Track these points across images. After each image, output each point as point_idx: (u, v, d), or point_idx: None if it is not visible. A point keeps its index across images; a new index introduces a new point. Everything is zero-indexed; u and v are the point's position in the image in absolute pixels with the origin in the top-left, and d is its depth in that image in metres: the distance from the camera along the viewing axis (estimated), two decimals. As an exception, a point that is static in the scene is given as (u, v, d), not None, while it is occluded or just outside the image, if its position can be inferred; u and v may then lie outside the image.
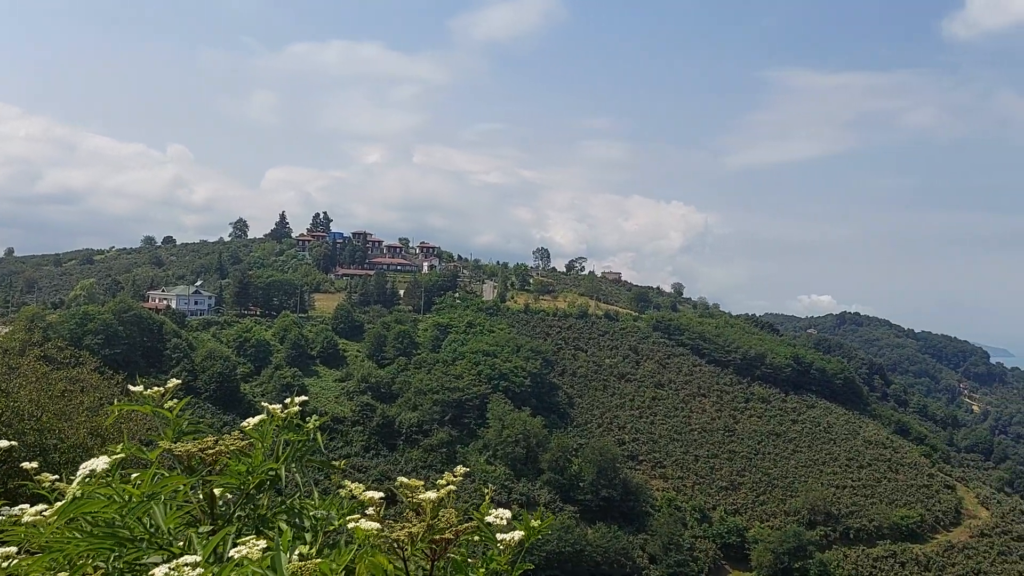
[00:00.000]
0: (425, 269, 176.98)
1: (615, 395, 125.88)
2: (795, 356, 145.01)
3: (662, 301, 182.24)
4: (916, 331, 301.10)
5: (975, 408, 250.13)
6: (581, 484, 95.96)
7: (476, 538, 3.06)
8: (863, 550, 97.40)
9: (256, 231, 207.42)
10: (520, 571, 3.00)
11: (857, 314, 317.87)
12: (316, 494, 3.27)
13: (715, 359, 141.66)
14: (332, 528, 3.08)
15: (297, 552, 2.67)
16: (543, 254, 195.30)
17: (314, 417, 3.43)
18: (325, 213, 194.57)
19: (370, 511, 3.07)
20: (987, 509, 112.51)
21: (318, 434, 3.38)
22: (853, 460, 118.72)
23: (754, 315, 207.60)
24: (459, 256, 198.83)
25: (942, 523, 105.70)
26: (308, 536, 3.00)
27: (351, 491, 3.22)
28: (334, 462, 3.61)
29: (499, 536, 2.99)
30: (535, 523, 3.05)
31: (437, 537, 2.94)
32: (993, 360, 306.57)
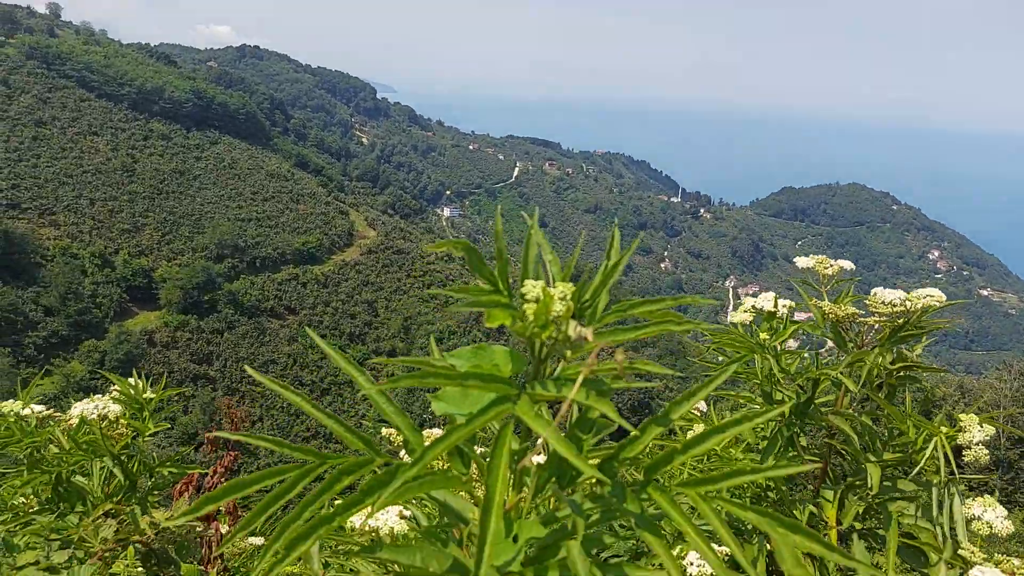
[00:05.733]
0: None
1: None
2: (196, 91, 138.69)
3: (35, 24, 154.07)
4: (313, 66, 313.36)
5: (364, 140, 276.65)
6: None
7: None
8: (269, 276, 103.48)
9: None
10: None
11: (257, 47, 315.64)
12: None
13: (106, 93, 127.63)
14: None
15: None
16: None
17: None
18: None
19: None
20: (374, 230, 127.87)
21: None
22: (258, 194, 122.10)
23: (148, 44, 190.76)
24: None
25: (337, 245, 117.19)
26: None
27: None
28: None
29: None
30: None
31: None
32: (380, 96, 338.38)
